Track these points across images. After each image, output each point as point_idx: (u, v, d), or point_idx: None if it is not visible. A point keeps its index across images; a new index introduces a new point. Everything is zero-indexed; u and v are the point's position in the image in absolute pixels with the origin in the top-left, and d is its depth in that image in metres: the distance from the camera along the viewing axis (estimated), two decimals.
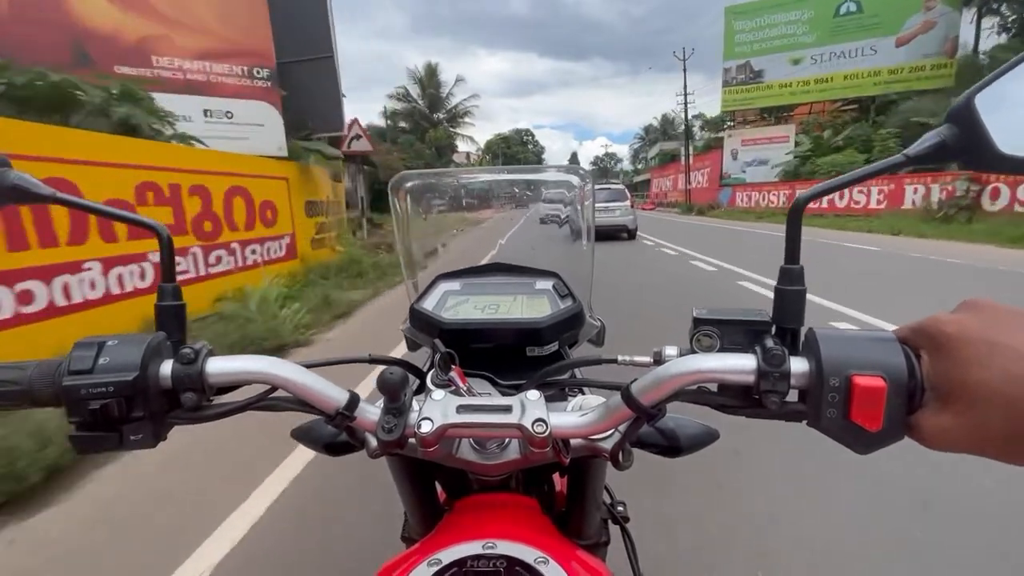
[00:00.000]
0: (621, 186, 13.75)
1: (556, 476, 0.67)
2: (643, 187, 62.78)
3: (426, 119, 40.71)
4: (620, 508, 0.71)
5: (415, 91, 40.10)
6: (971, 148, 0.35)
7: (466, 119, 41.48)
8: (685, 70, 30.72)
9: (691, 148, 27.85)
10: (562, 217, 0.80)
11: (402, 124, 40.80)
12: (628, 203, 11.98)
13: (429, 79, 39.45)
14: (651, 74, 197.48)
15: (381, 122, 40.26)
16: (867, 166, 0.39)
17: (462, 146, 43.97)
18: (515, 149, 67.29)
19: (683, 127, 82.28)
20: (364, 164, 10.80)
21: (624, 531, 0.70)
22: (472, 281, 0.73)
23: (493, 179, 0.88)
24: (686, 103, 30.71)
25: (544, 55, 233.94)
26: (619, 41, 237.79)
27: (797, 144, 22.25)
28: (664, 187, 39.65)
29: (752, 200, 23.79)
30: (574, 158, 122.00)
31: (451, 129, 40.67)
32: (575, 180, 0.73)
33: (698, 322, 0.42)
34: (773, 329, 0.40)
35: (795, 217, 0.39)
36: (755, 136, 25.46)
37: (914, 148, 0.38)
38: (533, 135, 75.61)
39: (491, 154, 60.12)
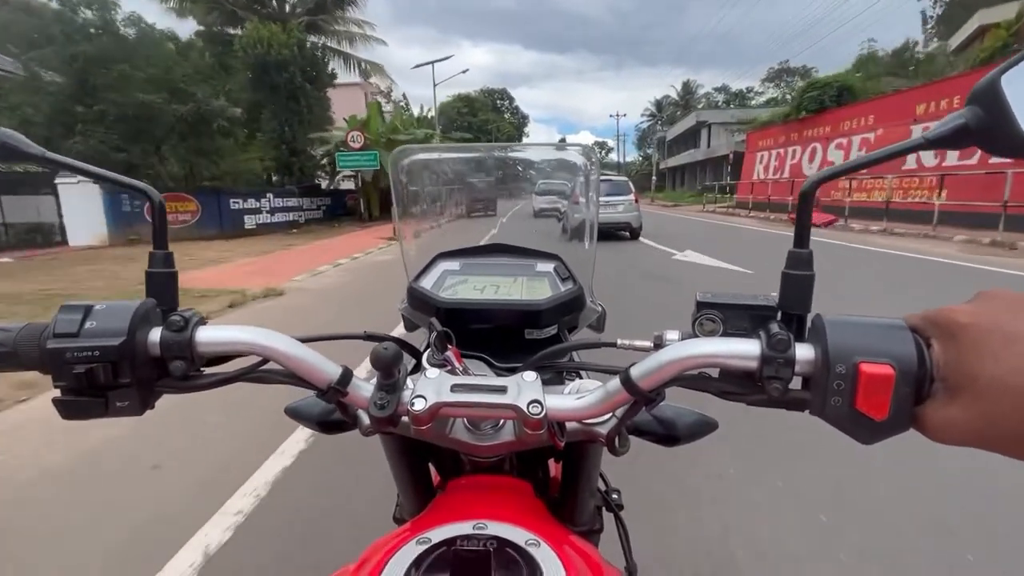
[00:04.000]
0: (624, 178, 12.33)
1: (551, 461, 0.66)
2: (687, 176, 41.07)
3: (248, 7, 18.39)
4: (615, 496, 0.69)
5: None
6: (994, 131, 0.33)
7: (355, 13, 18.89)
8: None
9: None
10: (560, 211, 0.79)
11: (228, 29, 18.59)
12: (632, 197, 10.91)
13: None
14: (635, 67, 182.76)
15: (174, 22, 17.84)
16: (881, 148, 0.37)
17: (339, 83, 21.25)
18: (485, 117, 44.68)
19: (707, 96, 62.84)
20: None
21: (618, 519, 0.68)
22: (472, 261, 0.72)
23: (495, 155, 0.86)
24: None
25: (529, 47, 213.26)
26: (604, 34, 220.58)
27: None
28: (810, 158, 16.94)
29: None
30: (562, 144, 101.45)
31: (314, 38, 18.15)
32: (579, 160, 0.72)
33: (701, 306, 0.41)
34: (779, 315, 0.39)
35: (806, 200, 0.38)
36: None
37: (934, 130, 0.35)
38: (512, 99, 53.03)
39: (446, 120, 37.59)
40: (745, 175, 22.40)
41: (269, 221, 15.48)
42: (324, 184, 20.04)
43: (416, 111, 24.43)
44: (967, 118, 0.34)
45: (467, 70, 25.50)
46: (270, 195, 15.65)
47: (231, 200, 14.14)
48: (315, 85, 17.18)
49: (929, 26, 24.62)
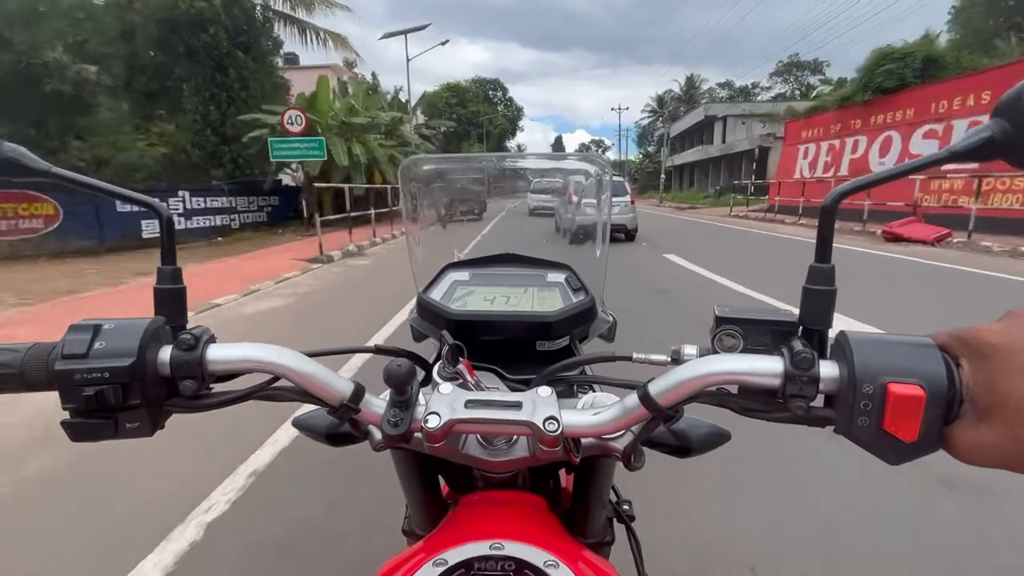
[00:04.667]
0: (620, 178, 12.75)
1: (562, 472, 0.65)
2: (697, 174, 37.62)
3: None
4: (626, 507, 0.68)
5: None
6: (1021, 145, 0.33)
7: None
8: None
9: None
10: (563, 211, 0.78)
11: None
12: (628, 198, 10.46)
13: None
14: (631, 66, 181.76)
15: None
16: (908, 161, 0.37)
17: (308, 65, 17.34)
18: (475, 108, 41.00)
19: (710, 91, 59.14)
20: None
21: (630, 530, 0.67)
22: (481, 272, 0.72)
23: (506, 165, 0.86)
24: None
25: (526, 45, 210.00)
26: (601, 32, 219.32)
27: None
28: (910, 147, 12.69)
29: None
30: (558, 143, 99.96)
31: None
32: (591, 169, 0.72)
33: (720, 321, 0.41)
34: (800, 330, 0.39)
35: (829, 214, 0.37)
36: None
37: (960, 143, 0.35)
38: (506, 90, 49.29)
39: (427, 106, 33.80)
40: (782, 172, 18.80)
41: (183, 227, 11.71)
42: (286, 180, 16.17)
43: (394, 96, 20.64)
44: (993, 131, 0.33)
45: (447, 41, 21.75)
46: (185, 194, 11.85)
47: (118, 200, 10.31)
48: (251, 54, 13.39)
49: (949, 19, 21.65)
